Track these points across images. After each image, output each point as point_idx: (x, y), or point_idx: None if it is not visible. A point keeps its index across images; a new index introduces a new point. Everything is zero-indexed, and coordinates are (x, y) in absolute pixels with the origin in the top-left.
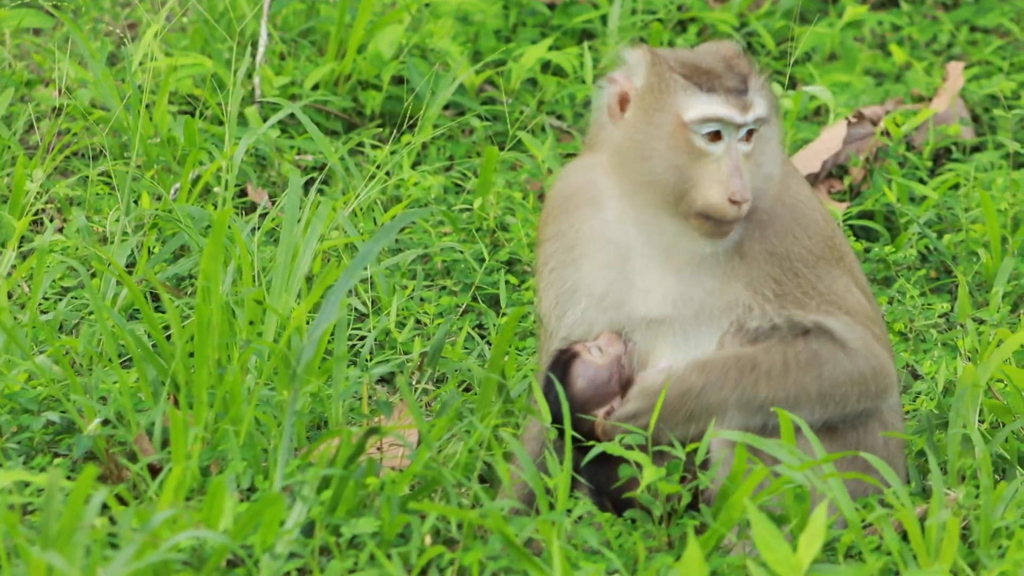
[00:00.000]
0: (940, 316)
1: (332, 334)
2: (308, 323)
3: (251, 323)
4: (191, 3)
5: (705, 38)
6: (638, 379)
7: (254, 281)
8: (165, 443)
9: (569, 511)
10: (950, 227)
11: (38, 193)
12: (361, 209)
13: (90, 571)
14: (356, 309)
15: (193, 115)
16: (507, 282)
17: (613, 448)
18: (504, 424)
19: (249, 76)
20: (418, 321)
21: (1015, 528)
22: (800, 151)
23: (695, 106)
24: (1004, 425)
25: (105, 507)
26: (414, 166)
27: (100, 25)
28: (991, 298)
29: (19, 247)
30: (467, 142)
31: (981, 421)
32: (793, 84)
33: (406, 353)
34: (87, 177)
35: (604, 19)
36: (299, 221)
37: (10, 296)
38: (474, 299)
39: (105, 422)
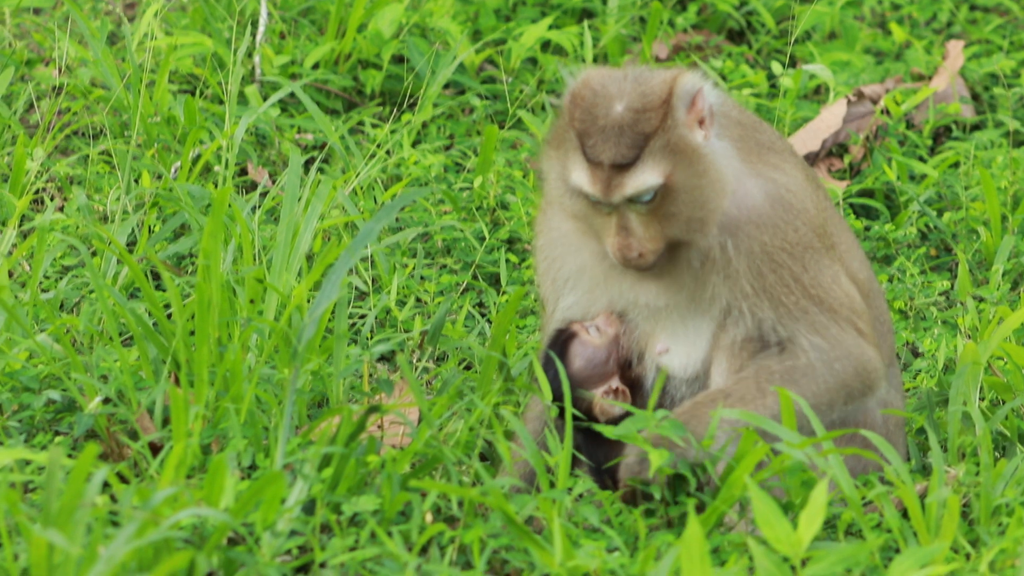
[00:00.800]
0: (940, 294)
1: (333, 313)
2: (309, 302)
3: (252, 302)
4: None
5: (705, 17)
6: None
7: (255, 260)
8: (166, 421)
9: (570, 489)
10: (950, 205)
11: (39, 172)
12: (361, 188)
13: (91, 549)
14: (357, 288)
15: (193, 94)
16: (507, 260)
17: (608, 430)
18: (505, 402)
19: (249, 55)
20: (418, 299)
21: (1015, 506)
22: (800, 130)
23: (574, 173)
24: (1004, 403)
25: (106, 485)
26: (414, 145)
27: (100, 4)
28: (991, 276)
29: (20, 226)
30: (467, 121)
31: (981, 399)
32: (793, 63)
33: (407, 331)
34: (87, 156)
35: None
36: (299, 200)
37: (11, 275)
38: (474, 277)
39: (106, 400)
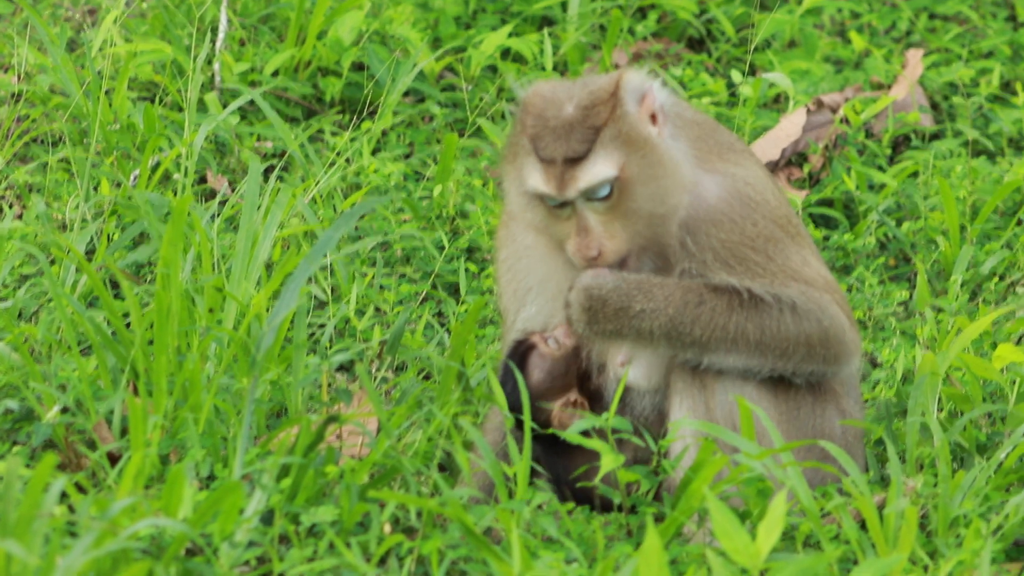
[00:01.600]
0: (899, 304)
1: (292, 322)
2: (268, 311)
3: (211, 310)
4: None
5: (665, 25)
6: (583, 276)
7: (214, 268)
8: (124, 431)
9: (528, 500)
10: (909, 215)
11: None
12: (321, 196)
13: (49, 559)
14: (316, 297)
15: (153, 101)
16: (467, 270)
17: (573, 436)
18: (464, 413)
19: (209, 62)
20: (378, 309)
21: (973, 517)
22: (759, 139)
23: (528, 176)
24: (962, 413)
25: (64, 495)
26: (374, 153)
27: (59, 11)
28: (950, 286)
29: None
30: (427, 129)
31: (940, 410)
32: (753, 71)
33: (366, 341)
34: (46, 163)
35: (564, 6)
36: (259, 208)
37: None
38: (434, 287)
39: (64, 410)
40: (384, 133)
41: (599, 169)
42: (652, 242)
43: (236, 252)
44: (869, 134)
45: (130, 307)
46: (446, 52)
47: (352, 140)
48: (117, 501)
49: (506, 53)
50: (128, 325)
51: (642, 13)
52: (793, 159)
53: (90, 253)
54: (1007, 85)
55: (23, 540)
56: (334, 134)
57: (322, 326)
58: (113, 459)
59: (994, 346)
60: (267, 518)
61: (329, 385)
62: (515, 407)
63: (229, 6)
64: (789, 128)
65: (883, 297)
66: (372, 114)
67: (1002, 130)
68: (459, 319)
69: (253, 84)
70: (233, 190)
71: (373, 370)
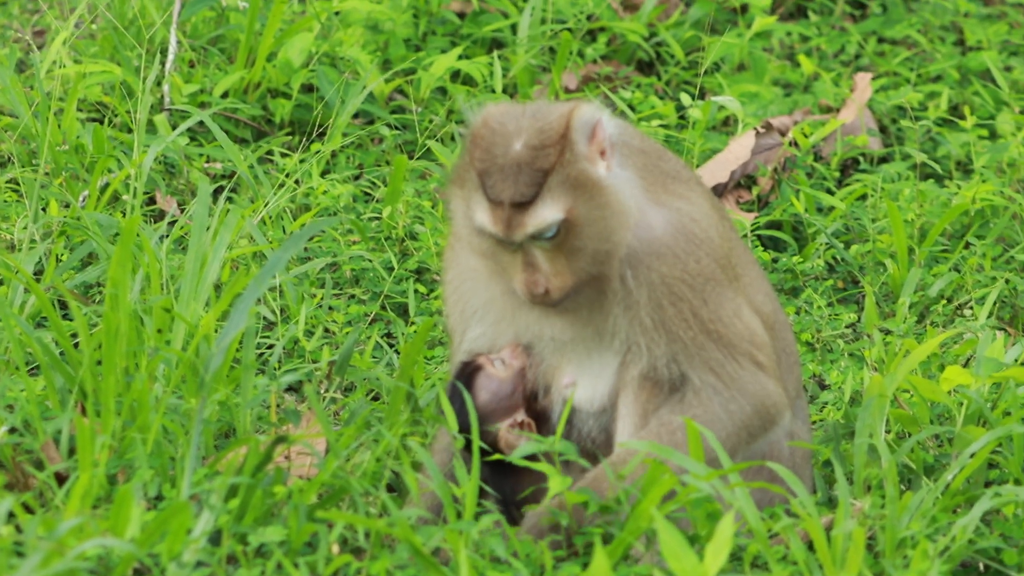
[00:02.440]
0: (847, 326)
1: (240, 342)
2: (216, 331)
3: (159, 331)
4: (100, 10)
5: (614, 48)
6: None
7: (162, 289)
8: (72, 451)
9: (476, 520)
10: (857, 238)
11: None
12: (270, 217)
13: None
14: (264, 317)
15: (102, 122)
16: (416, 291)
17: (518, 459)
18: (412, 433)
19: (158, 83)
20: (327, 330)
21: (920, 538)
22: (708, 161)
23: (477, 212)
24: (910, 435)
25: (11, 515)
26: (323, 174)
27: (8, 32)
28: (898, 309)
29: None
30: (376, 151)
31: (887, 431)
32: (702, 94)
33: (314, 362)
34: None
35: (514, 28)
36: (208, 229)
37: None
38: (383, 308)
39: (12, 430)
40: (333, 155)
41: (546, 214)
42: (595, 277)
43: (185, 273)
44: (818, 157)
45: (78, 328)
46: (396, 74)
47: (301, 161)
48: (64, 521)
49: (456, 75)
50: (76, 345)
51: (592, 36)
52: (742, 181)
53: (38, 274)
54: (955, 109)
55: None
56: (284, 155)
57: (271, 347)
58: (61, 479)
59: (942, 368)
60: (215, 538)
61: (278, 406)
62: (463, 428)
63: (179, 28)
64: (738, 151)
65: (831, 319)
66: (321, 135)
67: (950, 153)
68: (408, 340)
69: (203, 105)
70: (182, 211)
71: (322, 391)
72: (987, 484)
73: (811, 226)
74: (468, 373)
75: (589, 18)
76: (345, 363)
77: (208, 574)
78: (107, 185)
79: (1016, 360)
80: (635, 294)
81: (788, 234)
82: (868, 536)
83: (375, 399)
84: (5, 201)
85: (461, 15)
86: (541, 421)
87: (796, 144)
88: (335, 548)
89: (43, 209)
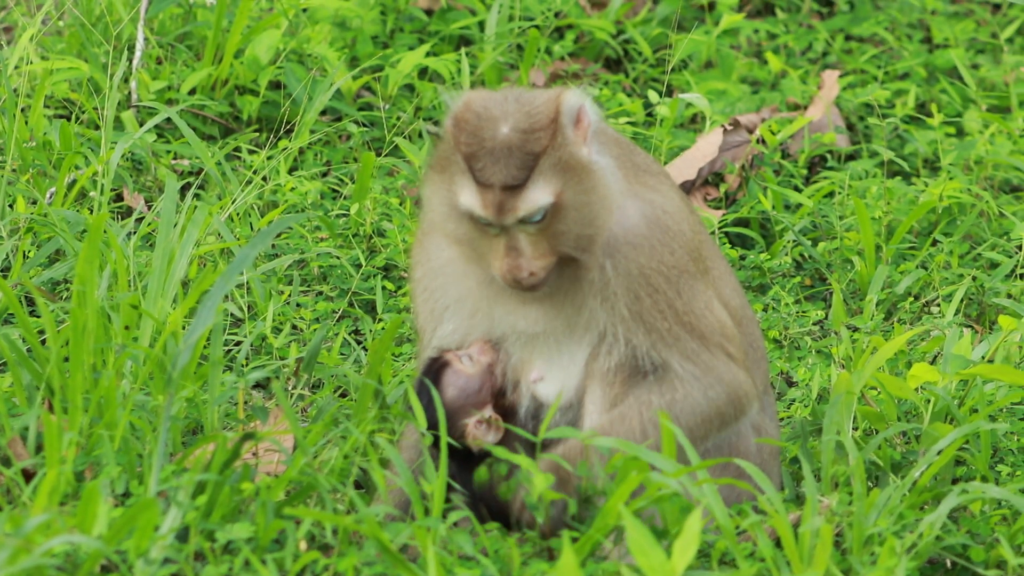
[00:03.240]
0: (814, 323)
1: (208, 339)
2: (184, 328)
3: (127, 328)
4: (67, 7)
5: (582, 45)
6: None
7: (130, 286)
8: (39, 448)
9: (445, 517)
10: (825, 235)
11: None
12: (238, 214)
13: None
14: (232, 314)
15: (69, 119)
16: (383, 288)
17: (500, 452)
18: (380, 430)
19: (126, 80)
20: (294, 327)
21: (887, 535)
22: (676, 159)
23: (463, 195)
24: (877, 432)
25: None
26: (291, 171)
27: None
28: (865, 306)
29: None
30: (344, 148)
31: (855, 428)
32: (670, 91)
33: (282, 359)
34: None
35: (482, 25)
36: (175, 226)
37: None
38: (350, 304)
39: None
40: (301, 151)
41: (537, 197)
42: (573, 263)
43: (152, 270)
44: (785, 154)
45: (45, 324)
46: (363, 71)
47: (269, 158)
48: (32, 518)
49: (424, 72)
50: (43, 342)
51: (559, 33)
52: (710, 179)
53: (5, 270)
54: (922, 106)
55: None
56: (251, 152)
57: (238, 343)
58: (28, 476)
59: (909, 365)
60: (183, 535)
61: (245, 402)
62: (431, 424)
63: (146, 24)
64: (706, 148)
65: (799, 316)
66: (289, 132)
67: (917, 151)
68: (376, 337)
69: (170, 102)
70: (150, 208)
71: (289, 388)
72: (954, 481)
73: (779, 223)
74: (436, 369)
75: (557, 15)
76: (313, 360)
77: (175, 571)
78: (74, 182)
79: (983, 357)
80: (613, 285)
81: (756, 231)
82: (835, 533)
83: (343, 396)
84: None
85: (429, 12)
86: (509, 417)
87: (763, 141)
88: (303, 545)
89: (10, 206)
